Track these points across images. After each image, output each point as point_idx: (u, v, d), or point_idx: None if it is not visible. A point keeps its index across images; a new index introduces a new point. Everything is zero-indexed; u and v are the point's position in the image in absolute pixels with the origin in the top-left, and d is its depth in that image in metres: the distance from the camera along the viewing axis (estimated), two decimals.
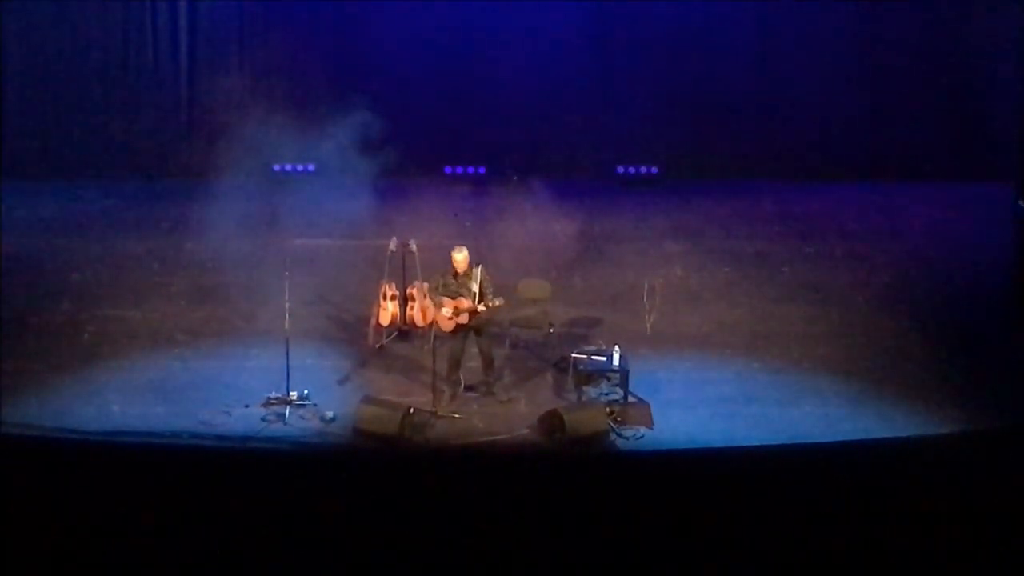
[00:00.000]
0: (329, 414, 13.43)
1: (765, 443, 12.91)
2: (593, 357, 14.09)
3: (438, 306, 13.60)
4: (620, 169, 20.71)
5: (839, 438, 12.99)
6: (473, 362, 14.01)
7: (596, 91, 20.71)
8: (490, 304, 13.51)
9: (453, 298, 13.56)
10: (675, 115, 20.57)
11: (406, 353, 14.90)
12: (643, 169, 20.69)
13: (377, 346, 14.99)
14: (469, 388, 13.79)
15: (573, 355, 14.19)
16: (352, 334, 15.31)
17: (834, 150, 20.60)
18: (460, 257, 13.62)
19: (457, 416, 13.51)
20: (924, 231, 18.70)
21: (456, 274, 13.64)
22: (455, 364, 13.76)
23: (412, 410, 13.23)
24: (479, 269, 13.62)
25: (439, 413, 13.42)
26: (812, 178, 20.45)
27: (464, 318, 13.53)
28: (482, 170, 20.50)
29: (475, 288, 13.50)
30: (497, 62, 20.45)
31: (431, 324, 14.35)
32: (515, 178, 20.16)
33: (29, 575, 9.50)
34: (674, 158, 20.69)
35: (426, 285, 14.86)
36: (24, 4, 19.90)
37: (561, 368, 14.40)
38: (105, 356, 14.76)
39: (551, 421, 13.30)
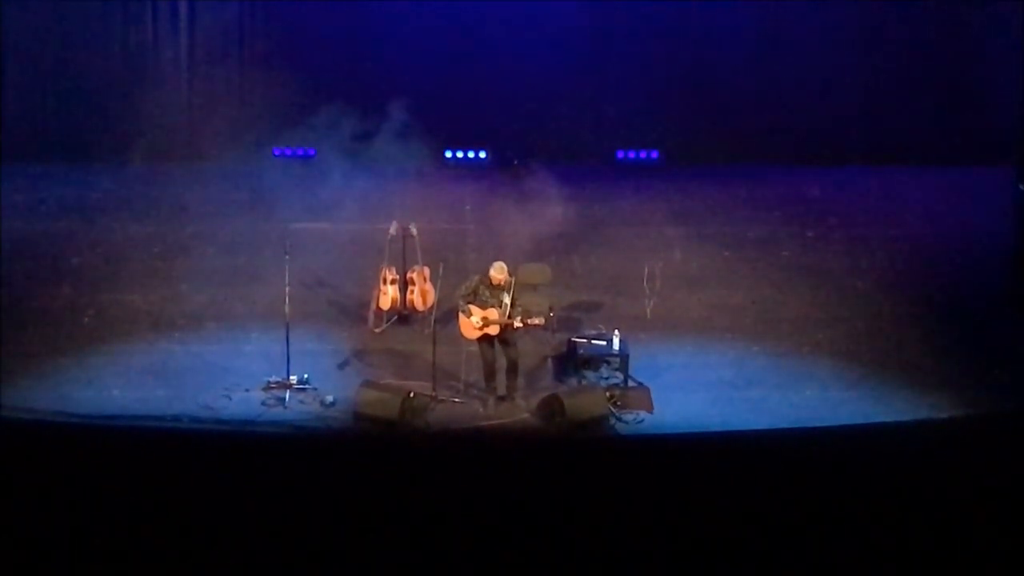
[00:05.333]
0: (329, 398, 13.45)
1: (765, 427, 12.93)
2: (593, 341, 14.11)
3: (466, 314, 13.33)
4: (620, 154, 20.68)
5: (839, 422, 13.01)
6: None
7: (596, 76, 20.67)
8: (528, 322, 13.30)
9: (483, 307, 13.32)
10: (675, 100, 20.53)
11: (406, 337, 14.90)
12: (643, 154, 20.67)
13: (377, 330, 15.00)
14: (502, 399, 13.56)
15: (573, 339, 14.20)
16: (352, 318, 15.32)
17: (834, 134, 20.56)
18: (500, 276, 13.29)
19: (457, 400, 13.52)
20: (925, 215, 18.69)
21: (491, 284, 13.35)
22: (491, 372, 13.50)
23: (412, 394, 13.25)
24: (512, 280, 13.38)
25: (439, 397, 13.43)
26: (812, 162, 20.41)
27: (493, 329, 13.32)
28: (482, 154, 20.47)
29: (507, 300, 13.27)
30: (498, 47, 20.39)
31: (431, 308, 14.35)
32: (515, 163, 20.15)
33: (29, 559, 9.51)
34: (674, 143, 20.66)
35: (424, 268, 14.88)
36: None
37: (561, 352, 14.40)
38: (105, 340, 14.77)
39: (551, 405, 13.32)
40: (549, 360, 14.40)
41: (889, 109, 20.54)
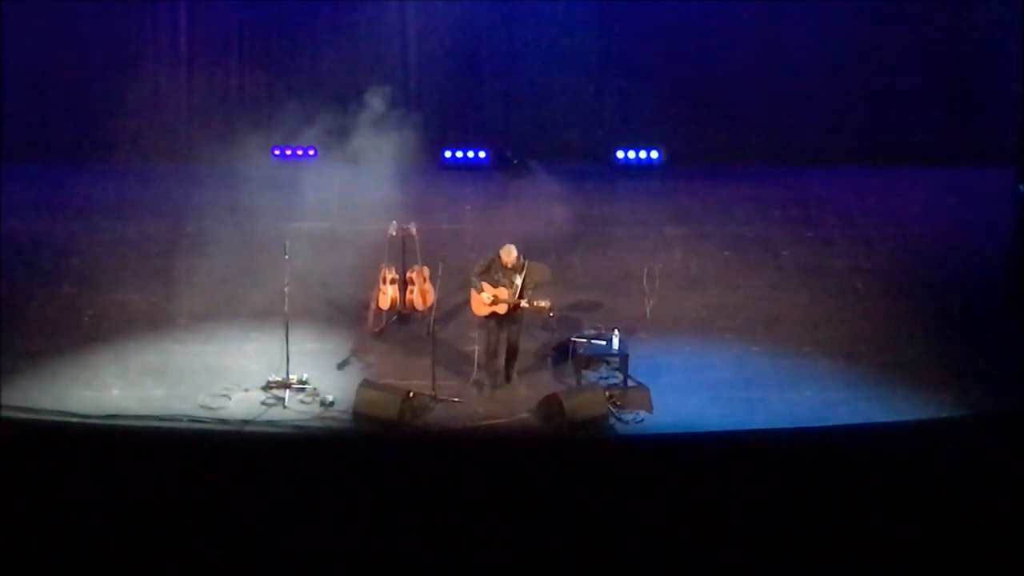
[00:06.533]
0: (329, 398, 13.44)
1: (764, 427, 12.93)
2: (593, 341, 14.10)
3: (478, 290, 13.62)
4: (620, 154, 20.66)
5: (838, 422, 13.01)
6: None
7: (596, 76, 20.65)
8: (535, 304, 13.57)
9: (494, 286, 13.58)
10: (676, 100, 20.51)
11: (406, 337, 14.90)
12: (644, 154, 20.64)
13: (377, 330, 14.99)
14: (497, 386, 13.78)
15: (573, 339, 14.20)
16: (352, 318, 15.31)
17: (835, 134, 20.53)
18: (510, 258, 13.62)
19: (457, 400, 13.52)
20: (925, 215, 18.67)
21: (503, 266, 13.63)
22: (493, 353, 13.74)
23: (412, 394, 13.24)
24: (526, 264, 13.66)
25: (438, 397, 13.43)
26: (813, 162, 20.39)
27: (502, 308, 13.56)
28: (482, 154, 20.45)
29: (518, 282, 13.55)
30: (498, 47, 20.39)
31: (431, 308, 14.35)
32: (515, 163, 20.14)
33: (29, 558, 9.51)
34: (675, 143, 20.64)
35: (423, 268, 14.89)
36: None
37: (561, 352, 14.40)
38: (105, 340, 14.76)
39: (551, 405, 13.31)
40: (549, 360, 14.41)
41: (889, 109, 20.52)
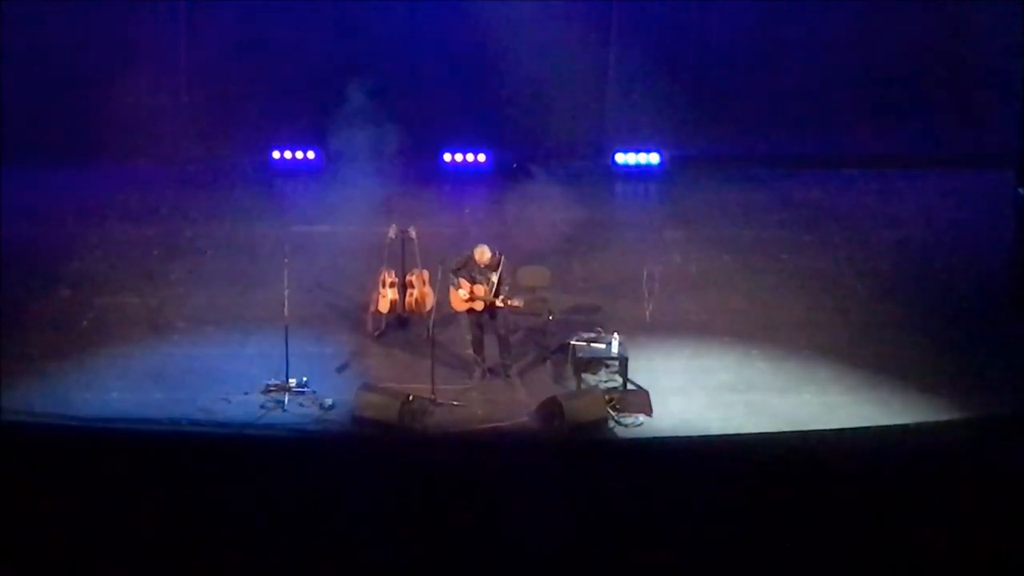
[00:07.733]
0: (328, 401, 13.45)
1: (764, 431, 12.93)
2: (592, 344, 14.10)
3: (455, 287, 13.95)
4: (620, 157, 20.65)
5: (838, 425, 13.00)
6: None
7: (597, 77, 20.65)
8: (508, 302, 13.86)
9: (471, 282, 13.85)
10: (676, 103, 20.49)
11: (405, 340, 14.90)
12: (643, 156, 20.63)
13: (376, 333, 14.99)
14: (491, 371, 14.08)
15: (572, 342, 14.20)
16: (351, 321, 15.31)
17: (834, 137, 20.53)
18: (483, 258, 13.90)
19: (456, 403, 13.53)
20: (924, 219, 18.67)
21: (477, 264, 13.92)
22: (479, 344, 14.14)
23: (411, 397, 13.25)
24: (502, 262, 13.92)
25: (438, 400, 13.44)
26: (812, 166, 20.39)
27: (478, 305, 13.90)
28: (481, 157, 20.42)
29: (494, 279, 13.81)
30: (498, 49, 20.37)
31: (430, 311, 14.36)
32: (514, 165, 20.14)
33: (29, 562, 9.51)
34: (675, 145, 20.63)
35: (423, 271, 14.90)
36: None
37: (560, 355, 14.40)
38: (104, 343, 14.77)
39: (550, 408, 13.32)
40: (548, 363, 14.41)
41: (889, 112, 20.51)
